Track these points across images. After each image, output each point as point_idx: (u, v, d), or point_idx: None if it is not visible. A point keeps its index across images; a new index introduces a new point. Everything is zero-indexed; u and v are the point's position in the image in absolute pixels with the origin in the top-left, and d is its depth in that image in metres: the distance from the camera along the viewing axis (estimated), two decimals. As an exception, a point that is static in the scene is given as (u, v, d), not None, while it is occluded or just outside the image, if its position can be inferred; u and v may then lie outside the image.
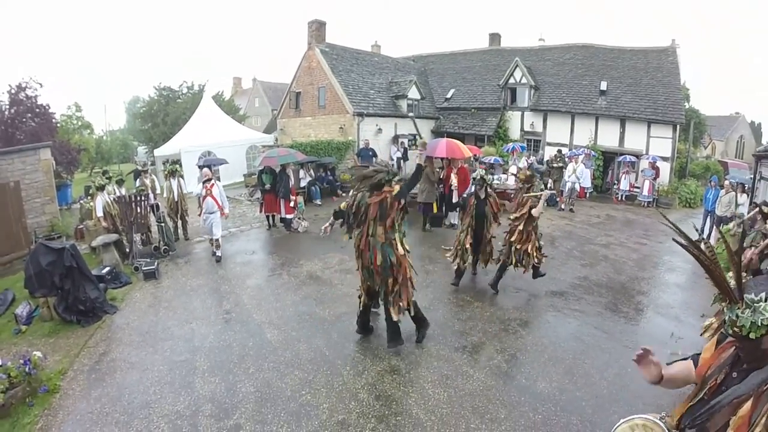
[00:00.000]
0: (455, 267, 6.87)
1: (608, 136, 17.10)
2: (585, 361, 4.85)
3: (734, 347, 1.80)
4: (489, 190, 6.78)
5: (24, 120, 15.91)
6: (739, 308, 1.68)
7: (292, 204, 10.59)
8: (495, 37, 24.25)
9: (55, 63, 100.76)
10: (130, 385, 4.47)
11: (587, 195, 15.79)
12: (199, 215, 8.81)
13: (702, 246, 1.97)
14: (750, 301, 1.65)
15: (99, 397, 4.28)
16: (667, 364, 2.09)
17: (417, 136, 18.95)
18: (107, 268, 7.43)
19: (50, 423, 3.94)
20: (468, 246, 6.64)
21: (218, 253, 8.54)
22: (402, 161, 18.31)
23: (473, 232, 6.66)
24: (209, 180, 8.58)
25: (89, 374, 4.71)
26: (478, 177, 6.61)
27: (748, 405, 1.60)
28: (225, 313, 6.16)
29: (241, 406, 4.08)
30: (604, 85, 17.73)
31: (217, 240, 8.54)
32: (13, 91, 16.04)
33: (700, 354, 2.00)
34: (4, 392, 4.09)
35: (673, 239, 2.07)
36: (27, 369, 4.33)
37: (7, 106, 15.95)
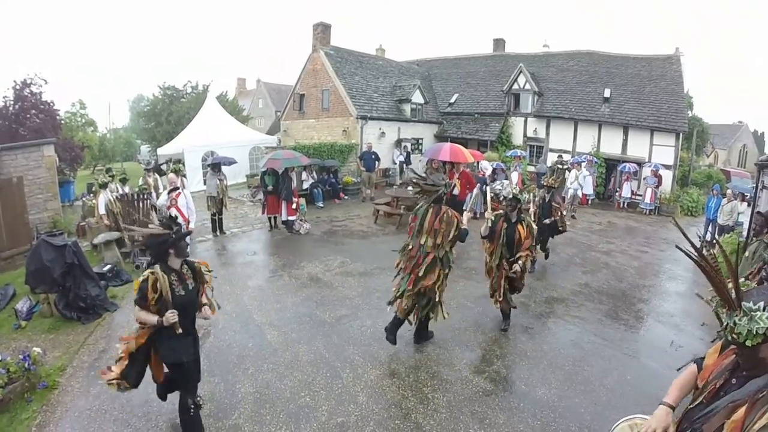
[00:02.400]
0: (499, 309, 5.72)
1: (611, 143, 17.13)
2: (584, 368, 4.84)
3: (735, 354, 1.82)
4: (522, 212, 5.62)
5: (28, 116, 15.93)
6: (736, 315, 1.69)
7: (294, 206, 10.61)
8: (499, 43, 24.33)
9: (58, 60, 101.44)
10: (129, 383, 4.46)
11: (589, 202, 15.79)
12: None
13: (704, 252, 2.00)
14: (747, 309, 1.67)
15: (98, 395, 4.27)
16: (678, 369, 2.13)
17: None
18: (108, 266, 7.43)
19: (48, 419, 3.94)
20: (503, 283, 5.45)
21: None
22: (405, 165, 18.34)
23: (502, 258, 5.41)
24: (175, 189, 7.70)
25: (88, 371, 4.71)
26: (511, 196, 5.40)
27: (742, 410, 1.63)
28: (225, 313, 6.14)
29: (240, 406, 4.07)
30: (607, 92, 17.77)
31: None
32: (17, 87, 16.09)
33: (703, 358, 2.03)
34: (3, 387, 4.09)
35: (677, 246, 2.10)
36: (26, 364, 4.34)
37: (12, 102, 16.00)
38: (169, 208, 7.54)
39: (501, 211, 5.52)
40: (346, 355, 5.01)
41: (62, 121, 19.23)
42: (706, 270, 1.88)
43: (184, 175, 10.31)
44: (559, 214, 8.04)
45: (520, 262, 5.24)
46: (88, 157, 22.90)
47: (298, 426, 3.80)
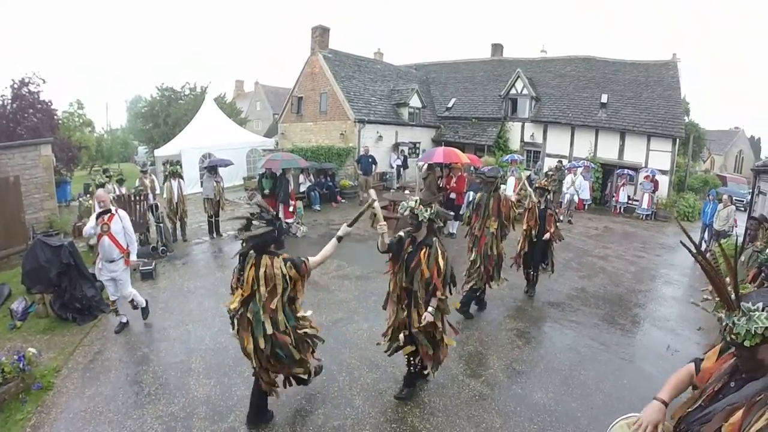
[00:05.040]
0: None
1: (608, 148, 17.21)
2: (581, 373, 4.85)
3: (734, 357, 1.83)
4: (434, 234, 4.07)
5: (26, 115, 15.91)
6: (735, 315, 1.71)
7: (291, 209, 10.59)
8: (497, 48, 24.43)
9: (57, 60, 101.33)
10: (125, 385, 4.45)
11: (586, 207, 15.84)
12: (94, 262, 5.95)
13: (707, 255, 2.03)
14: (746, 309, 1.69)
15: (93, 396, 4.25)
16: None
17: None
18: (104, 267, 7.39)
19: (43, 420, 3.92)
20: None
21: (128, 312, 5.84)
22: (402, 169, 18.36)
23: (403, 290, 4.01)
24: (107, 212, 5.40)
25: (83, 372, 4.69)
26: (407, 211, 4.01)
27: (740, 413, 1.64)
28: (221, 315, 6.12)
29: (236, 409, 4.05)
30: (604, 98, 17.87)
31: (131, 300, 5.75)
32: (15, 86, 16.05)
33: (702, 359, 2.04)
34: (-3, 388, 4.07)
35: (681, 242, 2.12)
36: (21, 365, 4.31)
37: (9, 101, 15.97)
38: (100, 236, 5.35)
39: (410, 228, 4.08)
40: (342, 358, 5.00)
41: (60, 121, 19.19)
42: (706, 269, 1.90)
43: (182, 177, 10.26)
44: (554, 225, 6.75)
45: (430, 308, 3.83)
46: (85, 157, 22.85)
47: (294, 429, 3.79)
